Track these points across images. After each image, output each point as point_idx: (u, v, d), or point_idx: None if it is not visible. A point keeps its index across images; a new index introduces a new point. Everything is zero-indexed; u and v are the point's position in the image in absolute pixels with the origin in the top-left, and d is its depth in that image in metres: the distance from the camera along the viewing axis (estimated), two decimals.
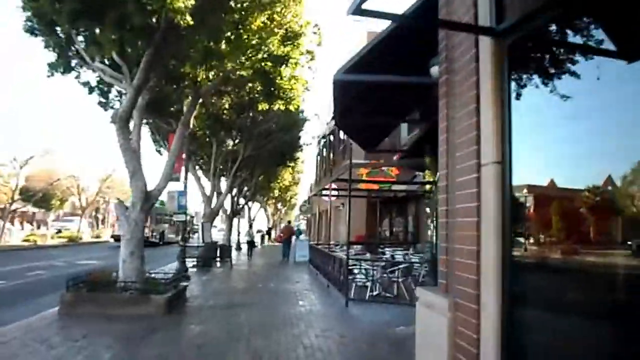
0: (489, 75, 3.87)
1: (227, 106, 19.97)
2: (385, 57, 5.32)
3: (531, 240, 3.65)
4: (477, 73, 4.05)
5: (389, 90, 5.76)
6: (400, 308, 10.48)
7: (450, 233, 4.50)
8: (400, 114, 6.91)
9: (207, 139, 22.14)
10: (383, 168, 21.63)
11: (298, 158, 35.42)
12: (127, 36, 9.39)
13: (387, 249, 19.84)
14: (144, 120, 17.71)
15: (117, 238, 41.67)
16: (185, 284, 11.77)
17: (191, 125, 12.66)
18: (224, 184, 25.01)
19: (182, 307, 10.49)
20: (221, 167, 24.84)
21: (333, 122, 34.99)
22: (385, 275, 11.76)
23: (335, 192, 20.81)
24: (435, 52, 5.10)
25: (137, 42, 10.09)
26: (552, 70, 3.59)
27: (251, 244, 32.70)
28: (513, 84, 3.78)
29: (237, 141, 23.06)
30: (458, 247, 4.25)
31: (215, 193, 22.93)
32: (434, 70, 5.12)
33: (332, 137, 36.68)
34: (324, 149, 40.56)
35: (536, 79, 3.70)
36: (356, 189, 22.19)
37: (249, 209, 41.75)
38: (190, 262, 19.13)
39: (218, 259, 22.35)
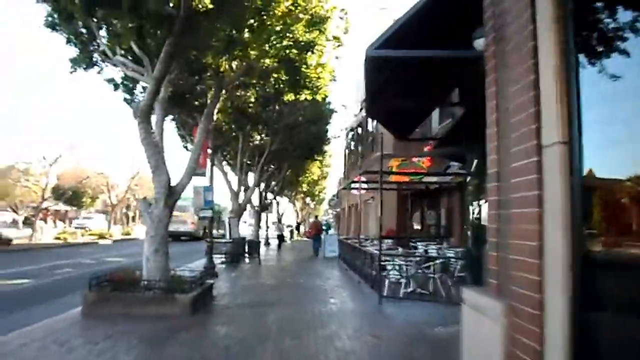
0: (550, 40, 3.28)
1: (252, 99, 19.61)
2: (422, 31, 4.75)
3: (609, 233, 3.05)
4: (535, 38, 3.46)
5: (426, 69, 5.19)
6: (436, 306, 9.91)
7: (502, 226, 3.94)
8: (437, 96, 6.33)
9: (233, 133, 21.80)
10: (414, 159, 20.99)
11: (326, 151, 34.96)
12: (145, 25, 9.01)
13: (419, 243, 19.21)
14: (170, 116, 17.52)
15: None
16: (211, 281, 11.39)
17: (215, 118, 12.21)
18: (251, 178, 24.65)
19: (208, 306, 10.10)
20: (248, 161, 24.55)
21: (361, 114, 34.48)
22: (419, 271, 11.18)
23: (364, 185, 20.22)
24: (479, 23, 4.52)
25: (156, 31, 9.72)
26: (630, 31, 2.98)
27: (281, 238, 32.45)
28: (580, 49, 3.20)
29: (263, 135, 22.66)
30: (514, 242, 3.68)
31: (242, 188, 22.60)
32: (479, 42, 4.54)
33: (360, 130, 36.10)
34: (352, 142, 39.98)
35: (610, 41, 3.10)
36: (386, 182, 21.56)
37: (277, 203, 41.45)
38: (218, 259, 18.85)
39: (247, 255, 22.03)
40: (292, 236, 45.52)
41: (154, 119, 10.81)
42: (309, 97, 12.43)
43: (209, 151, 16.10)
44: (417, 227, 26.55)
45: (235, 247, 19.77)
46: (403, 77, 5.38)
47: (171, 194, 10.28)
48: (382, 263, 10.88)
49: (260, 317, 9.01)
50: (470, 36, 4.70)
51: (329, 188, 59.09)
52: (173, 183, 10.49)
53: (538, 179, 3.35)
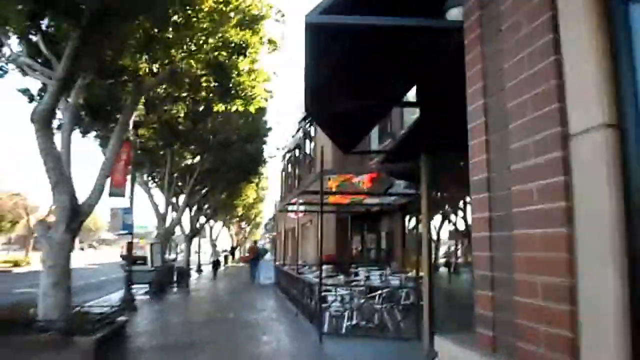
0: None
1: (182, 114, 18.21)
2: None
3: None
4: None
5: (382, 53, 4.08)
6: (385, 342, 8.75)
7: (498, 254, 2.81)
8: (393, 93, 5.24)
9: (162, 152, 20.20)
10: (354, 180, 20.06)
11: (262, 173, 33.67)
12: (44, 12, 7.55)
13: (360, 268, 18.15)
14: (93, 133, 15.77)
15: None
16: (124, 318, 9.74)
17: (139, 134, 10.69)
18: (182, 202, 22.92)
19: (117, 350, 8.49)
20: (179, 183, 22.95)
21: (299, 135, 33.47)
22: (364, 301, 10.03)
23: (302, 208, 19.04)
24: None
25: (61, 24, 8.28)
26: None
27: (216, 264, 30.89)
28: None
29: (195, 154, 21.10)
30: (521, 278, 2.54)
31: (170, 211, 20.85)
32: (454, 12, 3.47)
33: (297, 152, 35.06)
34: (289, 165, 38.88)
35: None
36: (325, 204, 20.43)
37: (211, 228, 39.52)
38: (142, 289, 17.12)
39: (175, 284, 20.28)
40: (226, 261, 43.55)
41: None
42: (241, 108, 11.13)
43: (130, 168, 14.47)
44: (357, 251, 25.56)
45: (160, 276, 18.00)
46: (353, 64, 4.24)
47: (75, 216, 8.67)
48: (323, 293, 9.64)
49: None
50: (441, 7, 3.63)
51: (266, 212, 57.58)
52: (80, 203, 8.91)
53: (563, 183, 2.25)
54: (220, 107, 11.56)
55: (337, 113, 5.34)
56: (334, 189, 19.87)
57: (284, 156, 41.80)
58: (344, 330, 9.47)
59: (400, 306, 10.55)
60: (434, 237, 7.87)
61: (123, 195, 13.76)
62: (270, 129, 23.23)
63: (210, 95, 11.29)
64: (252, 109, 11.32)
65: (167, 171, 19.15)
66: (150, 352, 8.49)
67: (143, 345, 8.93)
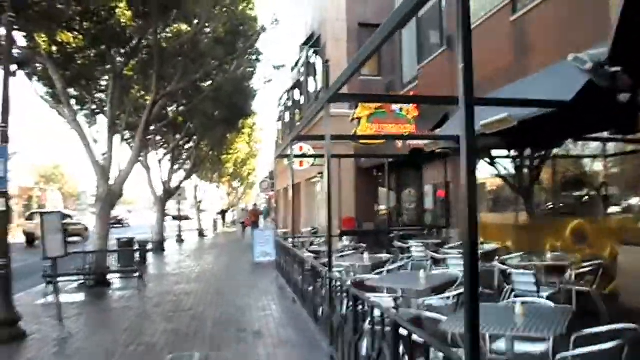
0: None
1: (125, 11, 11.74)
2: None
3: None
4: None
5: None
6: None
7: None
8: None
9: (102, 72, 13.67)
10: (393, 108, 13.48)
11: (254, 117, 27.10)
12: None
13: (412, 242, 11.65)
14: None
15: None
16: None
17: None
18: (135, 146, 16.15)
19: None
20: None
21: (299, 68, 26.58)
22: None
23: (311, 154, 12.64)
24: None
25: None
26: None
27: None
28: None
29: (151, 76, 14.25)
30: None
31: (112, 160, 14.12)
32: None
33: (297, 93, 28.37)
34: (287, 112, 32.18)
35: None
36: (337, 137, 13.29)
37: (195, 188, 32.98)
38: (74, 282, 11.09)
39: (135, 268, 13.61)
40: (215, 227, 37.21)
41: None
42: None
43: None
44: (386, 214, 18.98)
45: (102, 261, 11.65)
46: None
47: None
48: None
49: None
50: None
51: (260, 170, 50.87)
52: None
53: None
54: None
55: None
56: (363, 121, 13.44)
57: (279, 103, 35.03)
58: None
59: None
60: None
61: None
62: (260, 31, 16.08)
63: None
64: None
65: (109, 99, 12.46)
66: None
67: None
